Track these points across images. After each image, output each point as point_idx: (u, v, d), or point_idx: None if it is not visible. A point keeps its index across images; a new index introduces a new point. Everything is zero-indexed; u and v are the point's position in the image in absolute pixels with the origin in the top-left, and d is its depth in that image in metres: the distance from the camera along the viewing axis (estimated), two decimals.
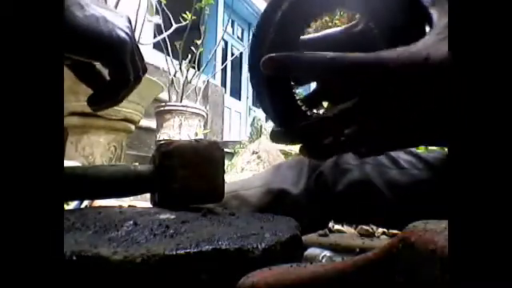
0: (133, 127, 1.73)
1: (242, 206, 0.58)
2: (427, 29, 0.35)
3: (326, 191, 0.56)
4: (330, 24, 2.93)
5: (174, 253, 0.27)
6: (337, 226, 1.31)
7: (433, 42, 0.30)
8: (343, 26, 0.43)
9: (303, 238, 0.37)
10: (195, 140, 0.47)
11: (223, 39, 4.04)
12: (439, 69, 0.29)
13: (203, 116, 2.94)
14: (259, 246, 0.30)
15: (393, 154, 0.57)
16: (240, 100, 5.61)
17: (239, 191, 0.60)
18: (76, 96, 1.44)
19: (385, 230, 1.23)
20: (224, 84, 4.99)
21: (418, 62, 0.29)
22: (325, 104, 0.44)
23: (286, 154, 2.42)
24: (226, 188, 0.46)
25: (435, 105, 0.30)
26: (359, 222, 0.80)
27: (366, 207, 0.56)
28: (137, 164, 0.48)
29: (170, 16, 2.72)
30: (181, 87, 2.88)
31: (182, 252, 0.28)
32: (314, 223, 0.65)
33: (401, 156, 0.57)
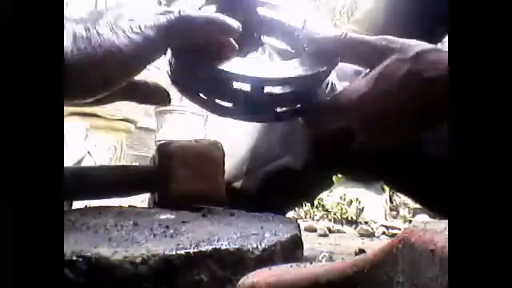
0: (133, 127, 1.73)
1: (240, 200, 0.56)
2: None
3: (336, 155, 0.56)
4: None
5: (174, 253, 0.27)
6: (337, 226, 1.31)
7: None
8: None
9: (303, 237, 0.37)
10: (195, 140, 0.47)
11: None
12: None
13: (203, 116, 2.93)
14: (259, 246, 0.30)
15: None
16: None
17: (232, 184, 0.57)
18: None
19: (385, 230, 1.23)
20: None
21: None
22: None
23: None
24: None
25: None
26: (369, 179, 0.80)
27: (379, 167, 0.56)
28: (137, 164, 0.48)
29: None
30: None
31: (182, 252, 0.28)
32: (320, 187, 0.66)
33: None
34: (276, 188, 0.57)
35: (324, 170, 0.60)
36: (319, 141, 0.56)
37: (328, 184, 0.66)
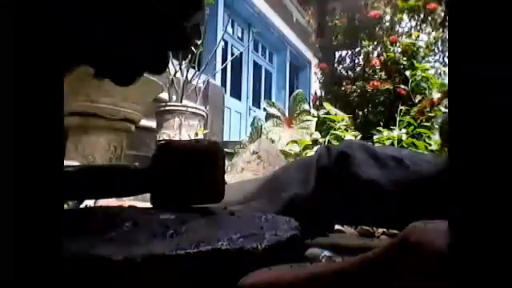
0: (133, 127, 1.73)
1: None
2: None
3: (336, 195, 0.59)
4: (330, 24, 2.93)
5: (174, 253, 0.27)
6: (337, 226, 1.31)
7: None
8: None
9: None
10: (195, 140, 0.47)
11: (223, 39, 4.04)
12: None
13: (203, 116, 2.93)
14: (259, 246, 0.30)
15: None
16: (240, 100, 5.61)
17: (251, 202, 0.62)
18: (76, 96, 1.44)
19: (385, 229, 1.23)
20: (224, 84, 4.98)
21: None
22: None
23: (285, 154, 2.42)
24: (234, 194, 0.47)
25: None
26: (368, 223, 0.84)
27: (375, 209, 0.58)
28: (137, 164, 0.48)
29: None
30: (181, 87, 2.88)
31: (182, 252, 0.28)
32: (323, 225, 0.68)
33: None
34: (289, 211, 0.61)
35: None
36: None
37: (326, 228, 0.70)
